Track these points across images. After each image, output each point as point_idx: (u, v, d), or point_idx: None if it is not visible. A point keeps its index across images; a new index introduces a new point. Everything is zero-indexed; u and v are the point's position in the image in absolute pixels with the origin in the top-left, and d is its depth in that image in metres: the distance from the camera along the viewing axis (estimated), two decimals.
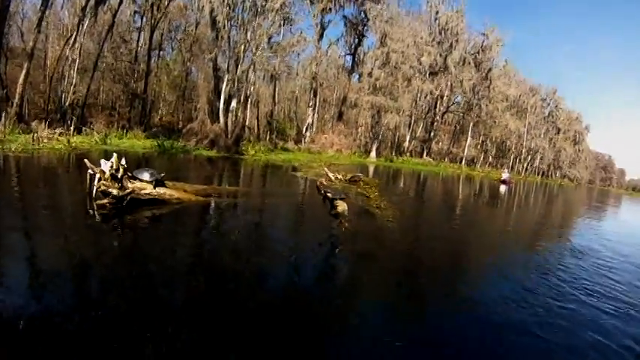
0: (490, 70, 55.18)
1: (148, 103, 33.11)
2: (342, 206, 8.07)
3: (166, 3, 32.76)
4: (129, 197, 6.74)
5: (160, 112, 39.02)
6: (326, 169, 15.00)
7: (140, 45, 34.09)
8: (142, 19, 33.69)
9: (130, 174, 7.09)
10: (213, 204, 7.97)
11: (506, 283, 5.23)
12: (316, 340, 3.22)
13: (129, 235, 5.52)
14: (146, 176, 7.23)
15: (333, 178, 13.49)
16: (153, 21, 32.36)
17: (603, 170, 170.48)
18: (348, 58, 43.53)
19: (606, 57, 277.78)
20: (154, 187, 7.27)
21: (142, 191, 7.10)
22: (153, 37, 33.00)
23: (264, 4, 28.16)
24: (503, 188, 28.78)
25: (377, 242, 6.67)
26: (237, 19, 27.49)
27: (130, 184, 6.93)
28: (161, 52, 38.23)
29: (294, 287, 4.27)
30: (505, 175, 36.64)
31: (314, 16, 37.35)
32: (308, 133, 36.25)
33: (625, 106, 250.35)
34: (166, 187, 7.60)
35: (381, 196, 11.50)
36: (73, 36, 25.92)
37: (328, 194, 9.15)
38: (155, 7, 32.11)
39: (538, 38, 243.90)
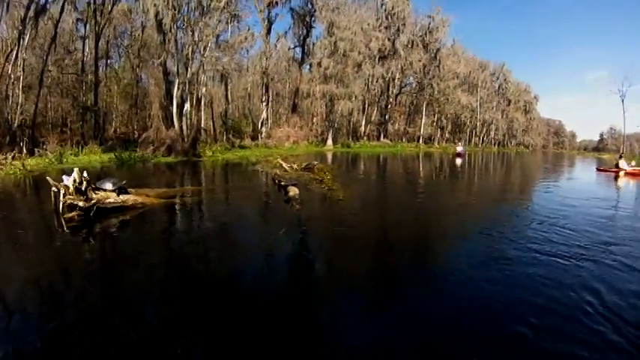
0: (439, 50, 57.59)
1: (100, 116, 32.17)
2: (293, 191, 9.34)
3: (110, 8, 31.70)
4: (95, 207, 7.19)
5: (113, 123, 38.20)
6: (280, 161, 16.05)
7: (86, 54, 32.75)
8: (85, 26, 32.41)
9: (93, 185, 7.53)
10: (176, 203, 8.73)
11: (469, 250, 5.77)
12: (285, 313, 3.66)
13: (101, 241, 6.03)
14: (109, 186, 7.73)
15: (287, 168, 14.63)
16: (97, 28, 31.09)
17: (555, 135, 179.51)
18: (298, 49, 44.05)
19: (551, 30, 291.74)
20: (118, 195, 7.76)
21: (107, 200, 7.57)
22: (98, 44, 31.87)
23: (209, 3, 28.08)
24: (459, 161, 30.74)
25: (325, 218, 7.86)
26: (184, 21, 27.26)
27: (94, 195, 7.37)
28: (109, 61, 37.30)
29: (254, 258, 5.21)
30: (460, 149, 39.02)
31: (260, 11, 37.63)
32: (264, 129, 36.83)
33: (573, 73, 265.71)
34: (129, 193, 8.11)
35: (334, 179, 12.71)
36: (14, 51, 24.79)
37: (281, 182, 10.29)
38: (98, 13, 30.86)
39: (490, 16, 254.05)
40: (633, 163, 24.92)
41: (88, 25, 32.24)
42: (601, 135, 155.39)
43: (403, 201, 11.16)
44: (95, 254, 5.45)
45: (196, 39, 27.73)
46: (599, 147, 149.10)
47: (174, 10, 26.02)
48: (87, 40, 32.70)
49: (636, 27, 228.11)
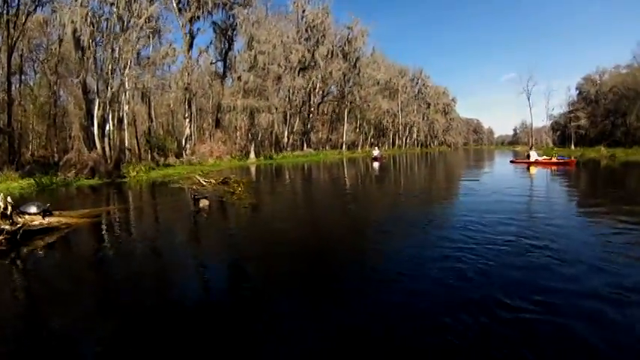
0: (358, 59, 61.93)
1: (15, 138, 30.26)
2: (203, 203, 10.97)
3: (24, 19, 29.93)
4: (21, 230, 7.61)
5: (30, 146, 36.26)
6: (198, 177, 17.61)
7: None
8: None
9: (18, 210, 8.00)
10: (99, 222, 9.57)
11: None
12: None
13: (29, 263, 6.53)
14: (33, 209, 8.24)
15: (205, 183, 16.37)
16: (10, 41, 28.89)
17: (475, 132, 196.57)
18: (220, 63, 45.58)
19: (469, 36, 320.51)
20: (43, 217, 8.28)
21: (33, 222, 8.05)
22: (11, 59, 29.79)
23: (129, 19, 28.25)
24: (376, 165, 32.80)
25: (228, 223, 9.60)
26: (103, 37, 27.26)
27: (20, 219, 7.82)
28: (23, 77, 35.25)
29: (166, 256, 6.56)
30: (376, 153, 41.73)
31: (182, 25, 38.41)
32: (188, 145, 37.49)
33: (488, 76, 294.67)
34: (54, 216, 8.63)
35: (246, 190, 14.35)
36: None
37: (195, 196, 11.63)
38: (11, 24, 28.80)
39: (412, 23, 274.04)
40: (540, 152, 28.92)
41: None
42: (515, 129, 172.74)
43: (300, 202, 13.65)
44: (23, 275, 5.95)
45: (116, 56, 27.73)
46: (513, 140, 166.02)
47: (93, 26, 26.28)
48: None
49: (542, 32, 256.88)
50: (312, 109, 57.49)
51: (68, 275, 5.77)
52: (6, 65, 29.94)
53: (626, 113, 60.16)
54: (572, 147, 65.65)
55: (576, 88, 79.20)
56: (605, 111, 67.40)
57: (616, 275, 4.72)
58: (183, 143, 37.29)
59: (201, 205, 10.89)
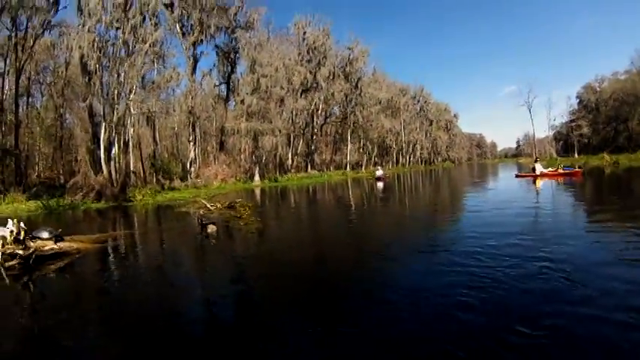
0: (360, 79, 63.04)
1: (21, 160, 30.83)
2: (211, 228, 11.00)
3: (32, 42, 30.71)
4: (34, 255, 7.89)
5: (37, 167, 36.76)
6: (204, 201, 17.72)
7: (5, 92, 31.77)
8: (5, 61, 31.11)
9: (30, 235, 8.35)
10: (108, 247, 9.81)
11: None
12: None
13: (41, 287, 6.75)
14: (45, 234, 8.54)
15: (211, 207, 16.32)
16: (18, 63, 29.97)
17: (478, 147, 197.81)
18: (223, 86, 46.44)
19: (468, 52, 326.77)
20: (55, 243, 8.56)
21: (45, 247, 8.31)
22: (19, 81, 30.69)
23: (134, 44, 28.83)
24: (380, 185, 32.40)
25: (236, 248, 9.66)
26: (109, 62, 27.61)
27: (32, 244, 8.15)
28: (30, 99, 36.26)
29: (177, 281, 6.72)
30: (379, 173, 41.37)
31: (186, 49, 39.22)
32: (192, 169, 37.69)
33: (489, 90, 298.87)
34: (65, 240, 8.91)
35: (252, 215, 14.41)
36: None
37: (203, 221, 11.63)
38: (20, 47, 29.77)
39: (410, 40, 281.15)
40: (544, 163, 28.67)
41: (8, 60, 30.97)
42: (518, 142, 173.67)
43: (305, 226, 13.71)
44: (36, 299, 6.18)
45: (122, 80, 28.27)
46: (517, 153, 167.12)
47: (100, 51, 26.76)
48: (6, 77, 31.52)
49: (540, 45, 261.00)
50: (315, 130, 58.18)
51: (78, 300, 5.98)
52: (14, 87, 31.08)
53: (627, 119, 61.32)
54: (576, 155, 66.47)
55: (577, 97, 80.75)
56: (606, 118, 68.54)
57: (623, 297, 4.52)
58: (188, 166, 37.69)
59: (209, 230, 10.97)
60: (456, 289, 5.06)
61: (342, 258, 8.18)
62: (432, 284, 5.48)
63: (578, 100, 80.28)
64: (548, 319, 4.03)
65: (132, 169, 32.56)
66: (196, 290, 6.21)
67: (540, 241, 7.45)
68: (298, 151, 54.25)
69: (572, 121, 79.49)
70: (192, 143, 38.58)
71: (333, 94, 57.11)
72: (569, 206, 13.75)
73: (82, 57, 26.06)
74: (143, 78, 34.65)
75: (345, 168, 61.47)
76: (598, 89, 72.98)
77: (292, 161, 52.17)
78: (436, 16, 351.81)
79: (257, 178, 41.02)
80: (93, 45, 26.25)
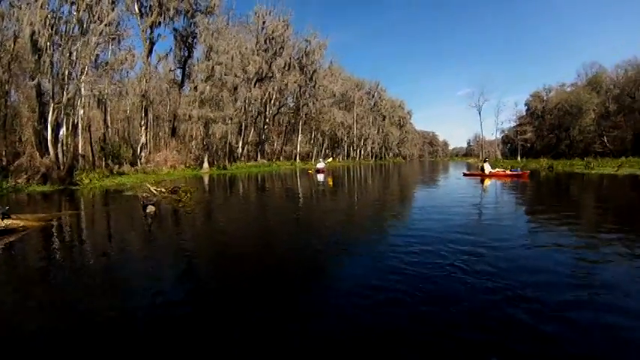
0: (315, 71, 66.16)
1: None
2: (150, 209, 12.37)
3: None
4: None
5: None
6: (149, 185, 18.35)
7: None
8: None
9: None
10: (54, 225, 10.44)
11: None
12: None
13: None
14: None
15: (155, 192, 16.83)
16: None
17: (430, 144, 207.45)
18: (179, 72, 47.34)
19: (428, 51, 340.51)
20: (2, 219, 8.97)
21: None
22: None
23: (89, 23, 28.71)
24: (320, 177, 33.27)
25: (168, 226, 10.80)
26: (61, 40, 27.16)
27: None
28: None
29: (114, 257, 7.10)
30: (320, 165, 42.67)
31: (143, 30, 39.36)
32: (143, 154, 38.20)
33: (445, 91, 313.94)
34: (12, 218, 9.38)
35: (192, 198, 15.77)
36: None
37: (144, 203, 12.91)
38: None
39: (368, 37, 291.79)
40: (488, 164, 29.73)
41: None
42: (468, 142, 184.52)
43: (241, 208, 14.99)
44: None
45: (74, 59, 28.16)
46: (467, 152, 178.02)
47: (51, 29, 26.36)
48: None
49: (499, 50, 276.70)
50: (268, 120, 60.73)
51: (26, 273, 6.43)
52: None
53: (569, 128, 68.49)
54: (519, 158, 73.26)
55: (525, 104, 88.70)
56: (550, 125, 75.82)
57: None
58: (139, 151, 38.21)
59: (148, 210, 12.28)
60: (384, 280, 5.31)
61: (269, 237, 9.16)
62: (353, 276, 5.67)
63: (526, 107, 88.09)
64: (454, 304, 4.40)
65: (80, 152, 32.56)
66: (129, 260, 7.00)
67: (471, 240, 7.69)
68: (249, 140, 56.38)
69: (518, 126, 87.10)
70: (143, 128, 39.14)
71: (287, 84, 59.51)
72: (503, 203, 14.82)
73: (32, 33, 25.70)
74: (96, 58, 34.45)
75: (295, 159, 64.40)
76: (545, 98, 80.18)
77: (242, 150, 54.05)
78: (404, 15, 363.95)
79: (206, 165, 42.04)
80: (45, 21, 25.96)
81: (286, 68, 59.53)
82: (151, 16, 39.66)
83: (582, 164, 40.02)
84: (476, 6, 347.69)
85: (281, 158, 63.53)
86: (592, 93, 63.79)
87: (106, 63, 36.37)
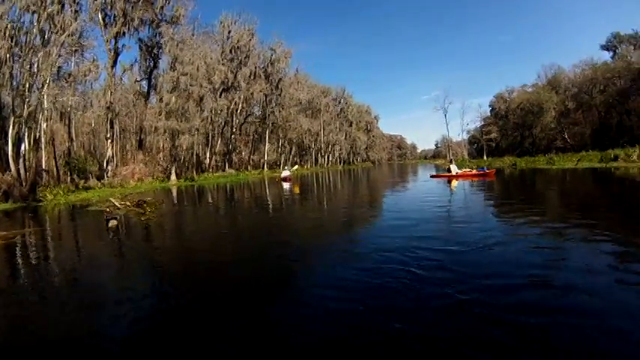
0: (280, 80, 67.31)
1: None
2: (112, 223, 12.54)
3: None
4: None
5: None
6: (113, 200, 18.07)
7: None
8: None
9: None
10: (17, 242, 10.68)
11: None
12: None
13: None
14: None
15: (120, 206, 17.10)
16: None
17: (399, 148, 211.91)
18: (144, 83, 47.12)
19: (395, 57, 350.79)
20: None
21: None
22: None
23: (50, 34, 28.63)
24: (286, 185, 33.36)
25: (129, 239, 11.22)
26: (22, 51, 27.04)
27: None
28: None
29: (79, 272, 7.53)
30: (285, 173, 41.91)
31: (107, 41, 38.82)
32: (110, 167, 37.75)
33: (412, 94, 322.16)
34: None
35: (156, 212, 16.14)
36: None
37: (107, 217, 13.17)
38: None
39: (336, 45, 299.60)
40: (455, 165, 30.61)
41: None
42: (436, 144, 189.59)
43: (201, 221, 15.27)
44: None
45: (35, 71, 27.81)
46: (435, 154, 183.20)
47: (11, 40, 26.16)
48: None
49: (463, 54, 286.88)
50: (235, 129, 61.21)
51: None
52: None
53: (532, 126, 72.06)
54: (485, 157, 77.10)
55: (489, 105, 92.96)
56: (514, 125, 79.43)
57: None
58: (105, 165, 38.28)
59: (110, 225, 12.46)
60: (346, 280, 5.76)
61: (222, 247, 9.35)
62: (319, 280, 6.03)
63: (490, 108, 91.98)
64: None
65: (44, 167, 32.26)
66: (86, 268, 7.72)
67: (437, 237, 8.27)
68: (216, 151, 56.57)
69: (483, 126, 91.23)
70: (109, 141, 38.78)
71: (252, 93, 60.09)
72: (473, 204, 14.94)
73: None
74: (59, 70, 34.28)
75: (263, 167, 64.99)
76: (508, 99, 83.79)
77: (210, 160, 54.28)
78: (372, 25, 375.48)
79: (174, 177, 41.94)
80: (5, 32, 25.80)
81: (252, 77, 60.10)
82: (116, 26, 39.21)
83: (544, 160, 42.51)
84: (440, 19, 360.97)
85: (249, 167, 63.87)
86: (552, 92, 67.35)
87: (69, 74, 36.10)
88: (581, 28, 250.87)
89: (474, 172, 29.11)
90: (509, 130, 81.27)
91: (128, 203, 17.70)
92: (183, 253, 8.84)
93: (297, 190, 28.08)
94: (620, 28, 79.49)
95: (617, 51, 65.53)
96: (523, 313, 4.22)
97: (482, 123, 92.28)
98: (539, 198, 16.20)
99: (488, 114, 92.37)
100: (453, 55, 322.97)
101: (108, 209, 15.85)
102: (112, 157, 39.47)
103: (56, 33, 29.58)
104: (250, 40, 59.00)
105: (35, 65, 28.04)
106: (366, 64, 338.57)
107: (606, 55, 67.36)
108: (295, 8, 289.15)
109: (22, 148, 27.37)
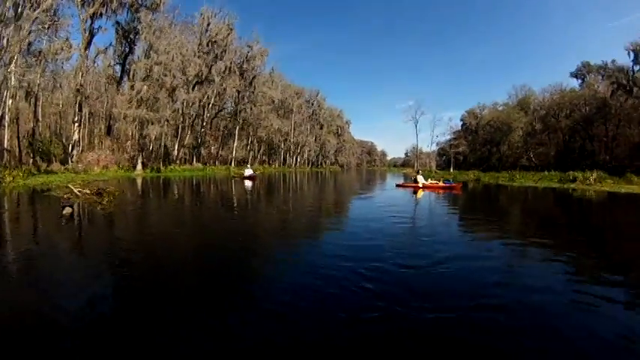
0: (255, 77, 67.89)
1: None
2: (66, 210, 12.49)
3: None
4: None
5: None
6: (72, 186, 17.83)
7: None
8: None
9: None
10: None
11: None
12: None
13: None
14: None
15: (79, 193, 16.81)
16: None
17: (369, 154, 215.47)
18: (118, 68, 46.88)
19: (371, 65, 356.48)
20: None
21: None
22: None
23: (22, 9, 28.24)
24: (248, 183, 33.11)
25: (82, 227, 11.17)
26: None
27: None
28: None
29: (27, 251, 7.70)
30: (248, 172, 41.51)
31: (83, 20, 37.90)
32: (75, 152, 37.11)
33: (386, 102, 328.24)
34: None
35: (114, 201, 16.22)
36: None
37: (62, 204, 13.13)
38: None
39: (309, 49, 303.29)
40: (421, 176, 30.86)
41: None
42: (406, 153, 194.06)
43: (158, 215, 15.08)
44: None
45: (3, 45, 27.45)
46: (404, 163, 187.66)
47: None
48: None
49: (434, 69, 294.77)
50: (205, 123, 61.46)
51: None
52: None
53: (499, 143, 75.56)
54: (451, 170, 79.86)
55: (460, 120, 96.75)
56: (483, 140, 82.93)
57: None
58: (70, 149, 37.61)
59: (64, 212, 12.41)
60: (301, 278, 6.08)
61: (172, 245, 8.99)
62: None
63: (462, 123, 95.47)
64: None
65: (5, 146, 32.11)
66: (34, 252, 7.59)
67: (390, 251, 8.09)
68: (185, 143, 56.74)
69: (453, 139, 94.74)
70: (77, 124, 38.38)
71: (225, 88, 60.55)
72: (434, 217, 14.89)
73: None
74: (29, 46, 33.62)
75: (231, 163, 65.25)
76: (479, 115, 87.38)
77: (178, 153, 54.33)
78: (352, 30, 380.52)
79: (139, 167, 41.68)
80: None
81: (227, 72, 60.46)
82: (93, 5, 38.84)
83: (507, 177, 44.60)
84: (420, 30, 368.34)
85: (217, 162, 64.20)
86: (521, 112, 70.71)
87: (40, 52, 35.32)
88: (554, 54, 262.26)
89: (441, 184, 29.21)
90: (478, 145, 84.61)
91: (87, 191, 17.41)
92: (133, 246, 8.61)
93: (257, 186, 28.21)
94: (590, 58, 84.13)
95: (585, 79, 69.96)
96: (472, 332, 4.19)
97: (453, 136, 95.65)
98: (500, 214, 17.03)
99: (459, 127, 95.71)
100: (429, 67, 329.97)
101: (65, 195, 15.79)
102: (79, 141, 39.08)
103: (30, 7, 29.24)
104: (229, 34, 59.02)
105: (5, 39, 27.68)
106: (344, 68, 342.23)
107: (574, 82, 72.11)
108: (275, 7, 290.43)
109: None
